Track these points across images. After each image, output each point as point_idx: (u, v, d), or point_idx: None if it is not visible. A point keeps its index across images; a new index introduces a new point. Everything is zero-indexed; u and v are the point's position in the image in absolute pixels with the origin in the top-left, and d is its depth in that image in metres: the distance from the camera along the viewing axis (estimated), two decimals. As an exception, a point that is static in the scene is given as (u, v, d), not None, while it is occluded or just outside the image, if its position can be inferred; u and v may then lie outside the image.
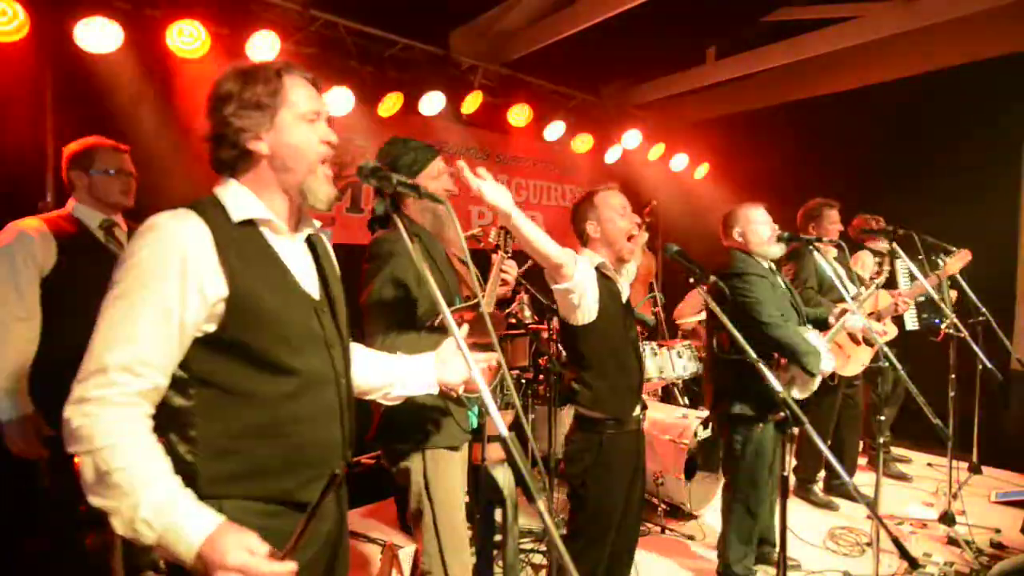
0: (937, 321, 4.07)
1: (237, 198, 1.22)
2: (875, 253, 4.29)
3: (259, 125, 1.20)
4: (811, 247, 3.34)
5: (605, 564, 2.22)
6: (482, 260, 2.14)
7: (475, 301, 2.04)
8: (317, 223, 1.38)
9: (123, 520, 1.01)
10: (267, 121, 1.21)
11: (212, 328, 1.13)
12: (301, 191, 1.25)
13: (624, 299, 2.39)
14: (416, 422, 1.93)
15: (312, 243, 1.36)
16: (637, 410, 2.31)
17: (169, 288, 1.08)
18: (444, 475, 1.97)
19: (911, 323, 4.22)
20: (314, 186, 1.25)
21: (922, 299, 3.66)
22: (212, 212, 1.17)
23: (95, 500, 1.03)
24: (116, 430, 1.03)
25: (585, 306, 2.15)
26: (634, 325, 2.38)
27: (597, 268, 2.28)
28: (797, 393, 2.81)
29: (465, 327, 1.95)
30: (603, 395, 2.21)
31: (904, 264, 4.12)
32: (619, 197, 2.33)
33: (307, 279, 1.29)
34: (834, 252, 3.82)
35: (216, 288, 1.11)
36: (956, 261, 3.45)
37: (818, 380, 2.81)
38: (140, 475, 1.02)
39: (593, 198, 2.34)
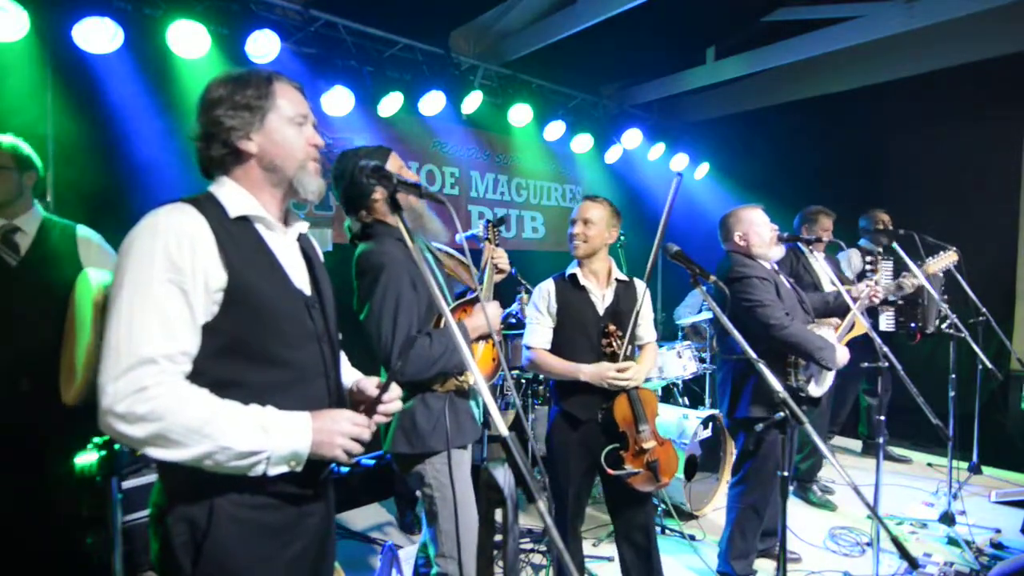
0: (913, 325, 4.09)
1: (232, 195, 1.25)
2: (865, 252, 4.31)
3: (249, 125, 1.25)
4: (808, 248, 3.35)
5: (570, 523, 2.49)
6: (478, 257, 2.18)
7: (474, 296, 2.05)
8: (307, 223, 1.42)
9: (227, 456, 1.09)
10: (256, 122, 1.26)
11: (209, 318, 1.15)
12: (292, 186, 1.30)
13: (602, 309, 2.48)
14: (436, 424, 1.93)
15: (302, 243, 1.40)
16: (594, 410, 2.43)
17: (184, 278, 1.11)
18: (460, 475, 1.97)
19: (887, 324, 4.22)
20: (305, 179, 1.30)
21: (902, 302, 3.66)
22: (208, 206, 1.21)
23: (183, 455, 1.07)
24: (186, 394, 1.10)
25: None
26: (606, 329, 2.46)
27: (570, 278, 2.51)
28: (817, 389, 2.83)
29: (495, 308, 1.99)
30: (560, 390, 2.52)
31: (886, 264, 4.14)
32: (578, 207, 2.54)
33: (299, 275, 1.32)
34: (822, 254, 3.87)
35: (217, 278, 1.14)
36: (940, 261, 3.44)
37: (832, 373, 2.83)
38: (227, 415, 1.10)
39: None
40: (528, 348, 2.53)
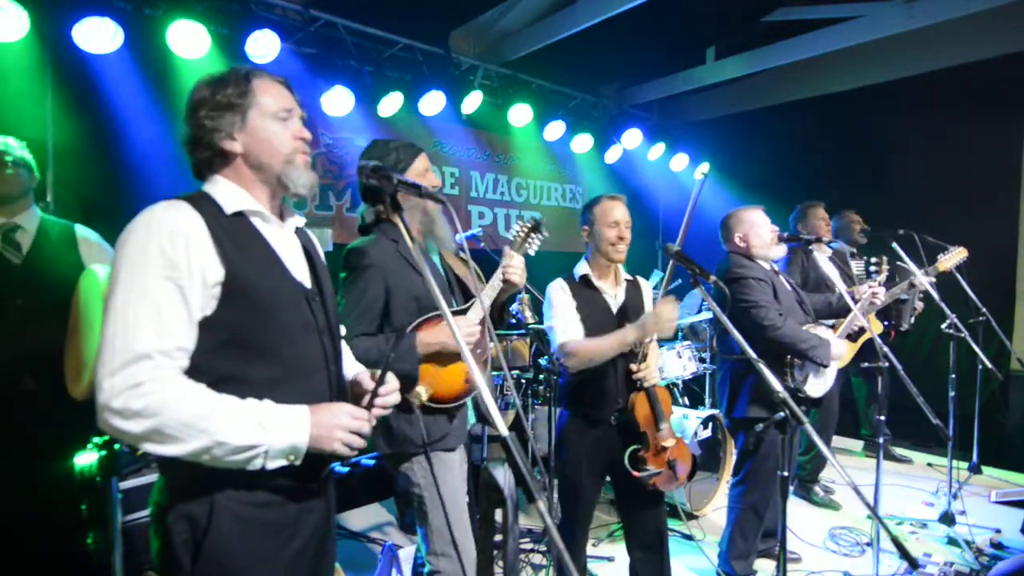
0: (887, 323, 4.09)
1: (227, 192, 1.26)
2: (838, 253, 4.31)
3: (231, 125, 1.25)
4: (809, 247, 3.35)
5: (580, 527, 2.47)
6: (481, 259, 2.15)
7: (467, 306, 2.02)
8: (303, 218, 1.41)
9: (224, 451, 1.08)
10: (238, 121, 1.26)
11: (207, 313, 1.15)
12: (281, 182, 1.29)
13: (615, 308, 2.45)
14: (415, 428, 1.92)
15: (301, 238, 1.40)
16: (608, 410, 2.37)
17: (180, 274, 1.11)
18: (447, 475, 1.97)
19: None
20: (293, 174, 1.29)
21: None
22: (203, 203, 1.21)
23: (180, 450, 1.07)
24: (182, 390, 1.09)
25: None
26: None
27: (582, 279, 2.45)
28: (818, 387, 2.83)
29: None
30: (573, 392, 2.42)
31: (859, 264, 4.14)
32: (613, 208, 2.42)
33: (298, 268, 1.32)
34: (828, 251, 3.86)
35: (214, 272, 1.14)
36: (951, 258, 3.46)
37: (834, 370, 2.82)
38: (224, 410, 1.10)
39: (593, 206, 2.47)
40: (563, 346, 2.33)
